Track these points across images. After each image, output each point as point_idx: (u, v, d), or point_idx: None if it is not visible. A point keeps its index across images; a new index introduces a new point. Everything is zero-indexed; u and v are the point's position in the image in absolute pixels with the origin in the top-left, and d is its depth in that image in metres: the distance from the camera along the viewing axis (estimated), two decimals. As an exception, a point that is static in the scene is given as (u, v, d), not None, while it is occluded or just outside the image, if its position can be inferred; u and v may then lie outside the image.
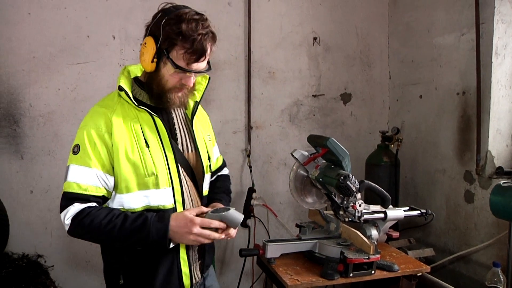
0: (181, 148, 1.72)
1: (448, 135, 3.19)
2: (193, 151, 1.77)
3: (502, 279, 2.00)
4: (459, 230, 3.09)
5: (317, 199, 2.34)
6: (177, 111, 1.78)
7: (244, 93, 3.49)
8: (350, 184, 1.97)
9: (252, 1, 3.41)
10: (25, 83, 3.02)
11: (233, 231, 1.63)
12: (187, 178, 1.72)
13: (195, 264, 1.77)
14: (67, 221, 1.57)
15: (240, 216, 1.59)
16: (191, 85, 1.66)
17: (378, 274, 2.10)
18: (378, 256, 2.06)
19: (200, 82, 1.86)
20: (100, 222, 1.54)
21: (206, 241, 1.57)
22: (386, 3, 3.85)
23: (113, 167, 1.61)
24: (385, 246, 2.51)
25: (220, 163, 2.10)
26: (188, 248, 1.70)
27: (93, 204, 1.60)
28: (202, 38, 1.54)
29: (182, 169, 1.69)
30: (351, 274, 2.03)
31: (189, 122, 1.81)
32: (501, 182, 1.88)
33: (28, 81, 3.02)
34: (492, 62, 2.81)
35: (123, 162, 1.59)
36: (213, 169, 1.97)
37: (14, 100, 3.00)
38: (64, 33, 3.08)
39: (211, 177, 1.99)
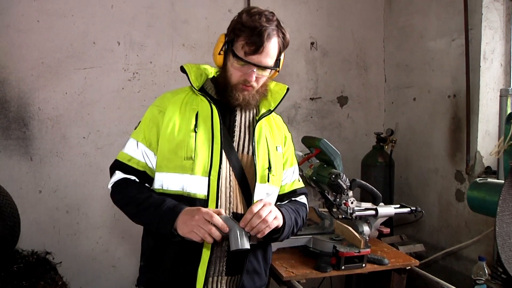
0: (235, 148, 1.67)
1: (440, 136, 3.30)
2: (249, 154, 1.68)
3: (486, 271, 2.12)
4: (451, 227, 3.20)
5: (311, 197, 2.46)
6: (244, 113, 1.74)
7: (244, 96, 3.60)
8: (341, 182, 2.10)
9: (252, 8, 3.53)
10: (34, 87, 3.15)
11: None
12: (233, 177, 1.64)
13: (220, 277, 1.63)
14: (109, 186, 1.69)
15: (243, 244, 1.43)
16: (253, 80, 1.60)
17: (368, 267, 2.23)
18: (368, 250, 2.19)
19: (277, 91, 1.79)
20: (128, 193, 1.62)
21: (206, 236, 1.42)
22: (381, 8, 3.96)
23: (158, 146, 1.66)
24: (377, 242, 2.63)
25: (294, 187, 1.87)
26: (212, 253, 1.60)
27: (133, 177, 1.67)
28: (261, 29, 1.53)
29: (230, 168, 1.64)
30: (343, 267, 2.15)
31: (254, 125, 1.72)
32: (477, 179, 2.00)
33: (37, 85, 3.16)
34: (480, 66, 2.93)
35: (166, 140, 1.62)
36: (281, 191, 1.81)
37: (24, 104, 3.14)
38: (71, 40, 3.21)
39: (282, 200, 1.82)
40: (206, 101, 1.66)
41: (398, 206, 2.54)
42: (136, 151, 1.66)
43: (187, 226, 1.45)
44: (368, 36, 3.94)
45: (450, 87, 3.20)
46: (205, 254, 1.58)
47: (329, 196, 2.28)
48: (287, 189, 1.83)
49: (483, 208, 1.96)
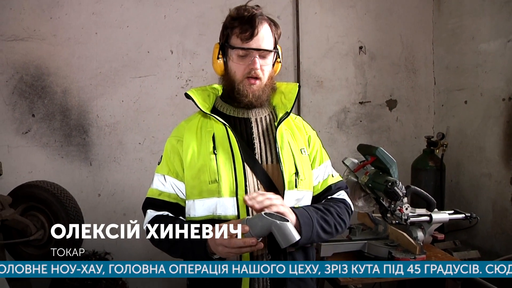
0: (259, 159, 1.63)
1: (494, 140, 3.24)
2: (274, 162, 1.64)
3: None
4: (506, 233, 3.13)
5: (366, 203, 2.48)
6: (261, 122, 1.70)
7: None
8: (397, 190, 2.11)
9: (300, 14, 3.59)
10: (92, 96, 3.32)
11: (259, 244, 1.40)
12: (262, 190, 1.58)
13: None
14: (145, 227, 1.63)
15: (296, 236, 1.37)
16: (257, 68, 1.58)
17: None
18: (424, 256, 2.20)
19: (290, 91, 1.74)
20: (159, 235, 1.55)
21: (241, 253, 1.45)
22: (430, 10, 3.91)
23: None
24: (430, 247, 2.62)
25: (328, 183, 1.75)
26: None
27: (165, 212, 1.63)
28: (251, 15, 1.56)
29: (258, 181, 1.60)
30: (400, 273, 2.16)
31: (274, 133, 1.67)
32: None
33: (95, 94, 3.33)
34: (538, 68, 2.87)
35: (188, 167, 1.60)
36: (315, 191, 1.73)
37: (83, 112, 3.31)
38: (126, 50, 3.37)
39: (319, 200, 1.73)
40: (219, 122, 1.63)
41: (452, 212, 2.52)
42: (165, 185, 1.65)
43: (220, 254, 1.44)
44: (417, 39, 3.90)
45: (505, 89, 3.13)
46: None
47: (383, 203, 2.29)
48: (321, 188, 1.74)
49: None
